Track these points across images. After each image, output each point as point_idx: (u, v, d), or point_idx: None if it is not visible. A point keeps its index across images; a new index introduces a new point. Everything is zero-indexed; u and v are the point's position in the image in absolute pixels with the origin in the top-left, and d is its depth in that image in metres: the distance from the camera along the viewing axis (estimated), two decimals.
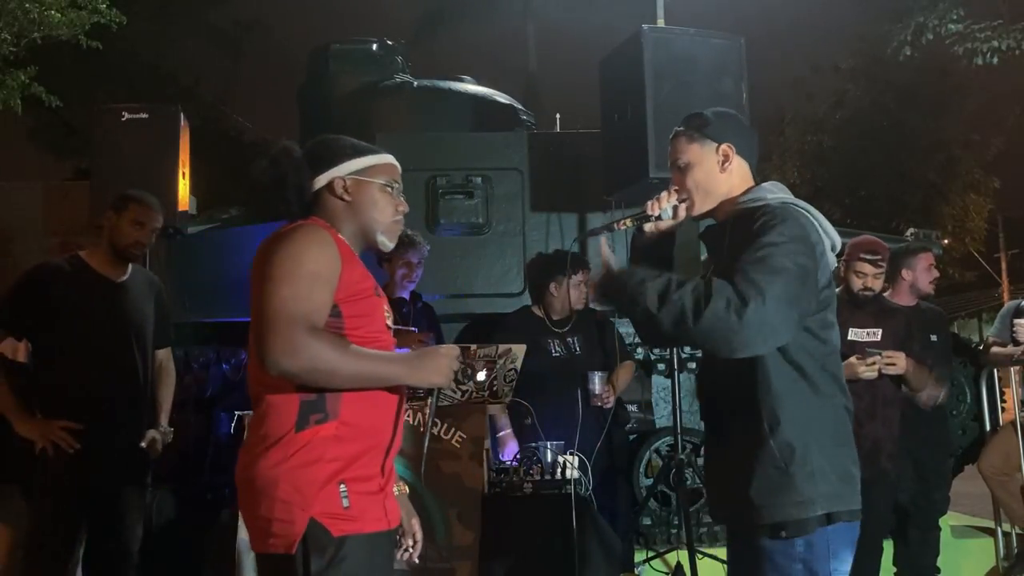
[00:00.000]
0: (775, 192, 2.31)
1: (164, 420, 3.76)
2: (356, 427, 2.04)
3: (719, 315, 1.98)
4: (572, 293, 4.45)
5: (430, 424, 2.28)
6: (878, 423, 3.97)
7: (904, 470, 4.25)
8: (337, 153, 2.20)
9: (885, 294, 4.48)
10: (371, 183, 2.19)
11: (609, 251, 2.27)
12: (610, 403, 4.40)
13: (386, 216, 2.21)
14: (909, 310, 4.43)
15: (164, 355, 3.85)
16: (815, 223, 2.25)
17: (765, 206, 2.24)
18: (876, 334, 4.05)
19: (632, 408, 5.23)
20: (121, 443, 3.54)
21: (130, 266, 3.66)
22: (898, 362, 3.92)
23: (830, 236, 2.27)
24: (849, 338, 3.98)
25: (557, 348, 4.50)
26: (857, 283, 4.06)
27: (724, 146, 2.33)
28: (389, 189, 2.22)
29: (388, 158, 2.26)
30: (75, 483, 3.41)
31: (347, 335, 2.06)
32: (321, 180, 2.17)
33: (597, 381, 4.38)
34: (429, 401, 2.18)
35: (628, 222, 2.45)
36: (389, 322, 2.22)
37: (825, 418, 2.20)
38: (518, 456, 4.00)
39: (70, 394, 3.44)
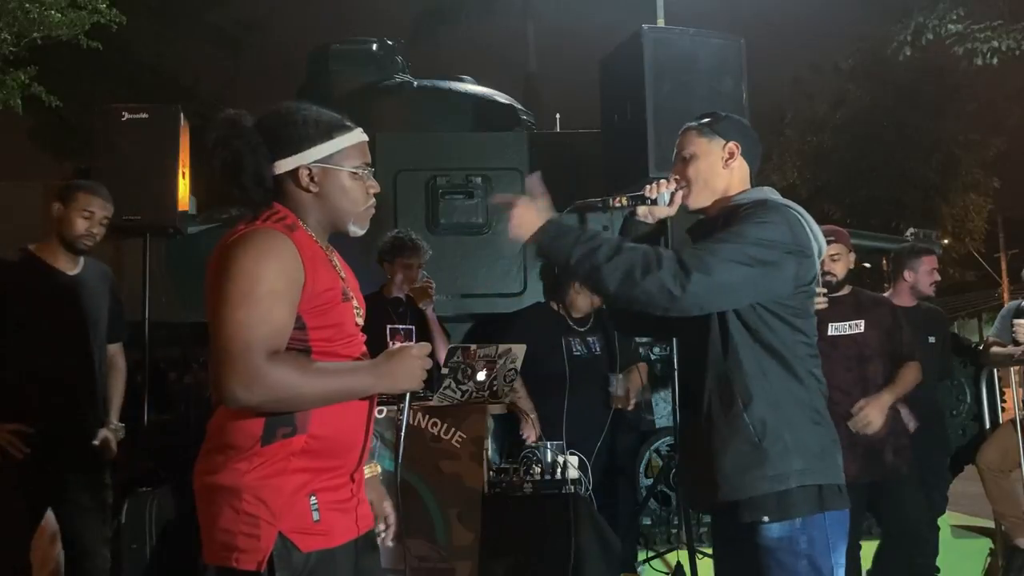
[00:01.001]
0: (767, 195, 2.36)
1: (115, 417, 3.68)
2: (325, 440, 1.92)
3: (664, 280, 2.08)
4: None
5: (404, 429, 2.13)
6: None
7: None
8: (301, 136, 1.97)
9: (885, 294, 4.47)
10: (340, 171, 1.99)
11: (539, 185, 2.25)
12: (630, 405, 4.40)
13: (357, 205, 2.02)
14: (907, 309, 4.41)
15: (115, 349, 3.75)
16: (805, 225, 2.28)
17: (756, 202, 2.30)
18: (858, 325, 3.91)
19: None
20: (78, 440, 3.46)
21: (82, 259, 3.57)
22: (873, 421, 3.76)
23: (818, 241, 2.31)
24: (829, 334, 3.83)
25: (578, 347, 4.47)
26: None
27: (731, 144, 2.39)
28: (359, 174, 2.02)
29: (357, 136, 2.04)
30: (25, 482, 3.32)
31: (312, 346, 1.93)
32: (283, 166, 1.96)
33: (618, 383, 4.36)
34: (400, 407, 2.05)
35: (624, 200, 2.49)
36: (359, 320, 2.08)
37: (800, 398, 2.23)
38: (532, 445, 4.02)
39: (24, 391, 3.37)
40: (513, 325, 4.63)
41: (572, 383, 4.29)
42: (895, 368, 3.94)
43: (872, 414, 3.77)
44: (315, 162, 1.97)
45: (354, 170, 2.01)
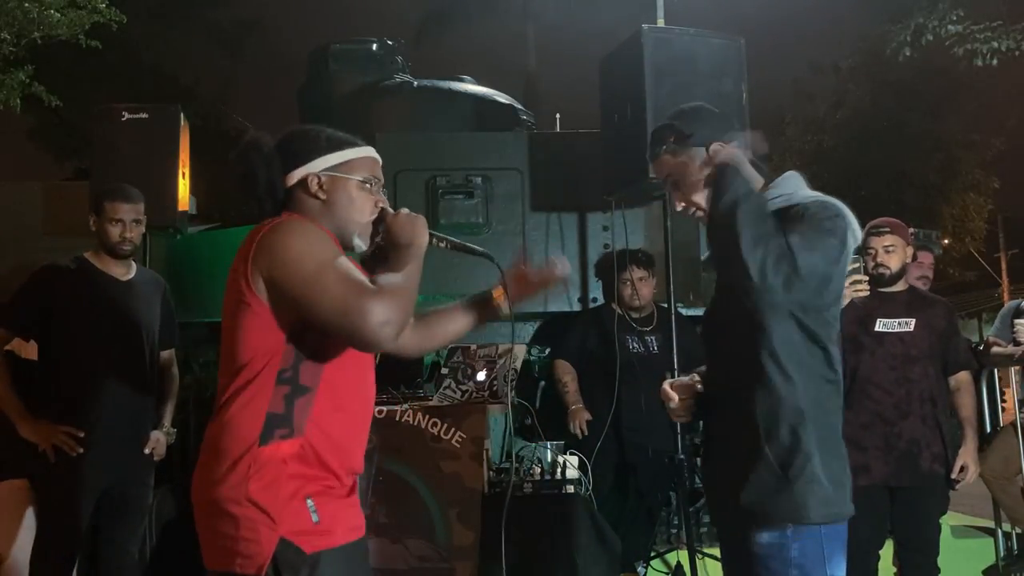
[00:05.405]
0: (800, 188, 2.26)
1: (167, 421, 3.77)
2: (320, 446, 1.95)
3: (768, 260, 2.00)
4: (640, 288, 4.68)
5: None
6: (914, 420, 3.71)
7: None
8: (311, 147, 2.07)
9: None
10: (348, 180, 2.06)
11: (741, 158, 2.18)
12: None
13: (363, 216, 2.08)
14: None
15: (168, 356, 3.86)
16: (848, 222, 2.17)
17: (800, 206, 2.18)
18: (908, 324, 3.74)
19: None
20: (127, 443, 3.54)
21: (134, 265, 3.68)
22: (972, 470, 3.80)
23: (856, 236, 2.20)
24: (876, 329, 3.71)
25: (635, 344, 4.62)
26: (869, 263, 3.73)
27: (714, 146, 2.23)
28: (367, 186, 2.09)
29: (367, 151, 2.13)
30: (80, 483, 3.41)
31: None
32: (294, 176, 2.05)
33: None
34: (438, 243, 2.33)
35: None
36: None
37: (822, 422, 2.16)
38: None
39: (78, 394, 3.44)
40: (574, 322, 4.88)
41: (627, 377, 4.46)
42: (941, 373, 3.83)
43: (969, 465, 3.81)
44: (324, 170, 2.05)
45: (362, 180, 2.08)
